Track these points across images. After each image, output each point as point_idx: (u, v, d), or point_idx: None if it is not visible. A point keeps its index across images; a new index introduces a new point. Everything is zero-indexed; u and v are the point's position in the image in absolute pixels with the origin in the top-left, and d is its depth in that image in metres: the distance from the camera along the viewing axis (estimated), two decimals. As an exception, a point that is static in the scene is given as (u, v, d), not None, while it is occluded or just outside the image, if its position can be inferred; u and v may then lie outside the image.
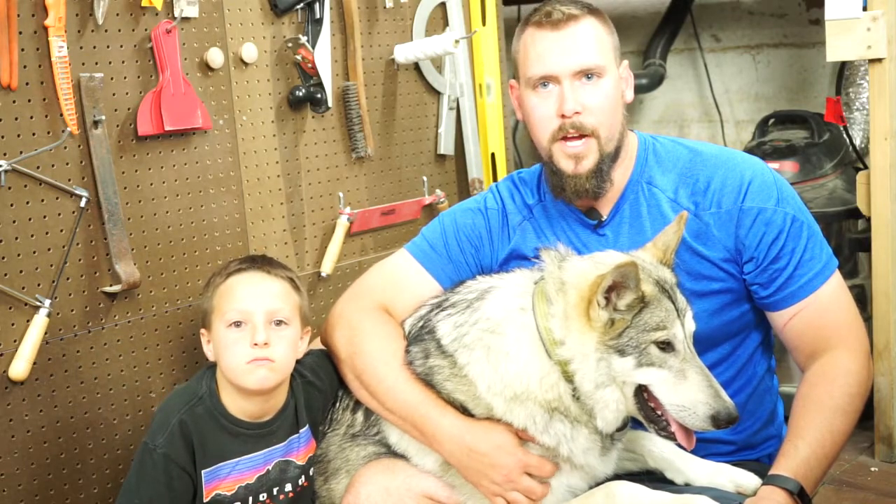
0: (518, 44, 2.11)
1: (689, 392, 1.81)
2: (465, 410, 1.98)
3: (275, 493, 2.08)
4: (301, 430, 2.11)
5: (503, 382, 1.92)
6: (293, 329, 2.05)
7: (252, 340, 1.99)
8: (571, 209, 2.13)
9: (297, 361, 2.10)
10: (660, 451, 2.02)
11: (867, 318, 3.35)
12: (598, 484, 1.96)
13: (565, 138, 2.03)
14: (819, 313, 2.03)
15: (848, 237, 3.51)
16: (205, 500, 2.02)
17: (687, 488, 1.97)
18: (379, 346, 2.09)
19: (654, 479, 2.01)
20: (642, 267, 1.86)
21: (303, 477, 2.11)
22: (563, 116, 2.02)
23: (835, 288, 2.05)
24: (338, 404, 2.19)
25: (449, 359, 1.99)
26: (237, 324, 2.01)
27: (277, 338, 2.01)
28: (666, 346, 1.83)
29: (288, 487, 2.10)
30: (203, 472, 2.01)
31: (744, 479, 1.96)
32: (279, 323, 2.03)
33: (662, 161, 2.12)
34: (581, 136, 2.03)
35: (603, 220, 2.11)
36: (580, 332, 1.86)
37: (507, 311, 1.96)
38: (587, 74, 2.03)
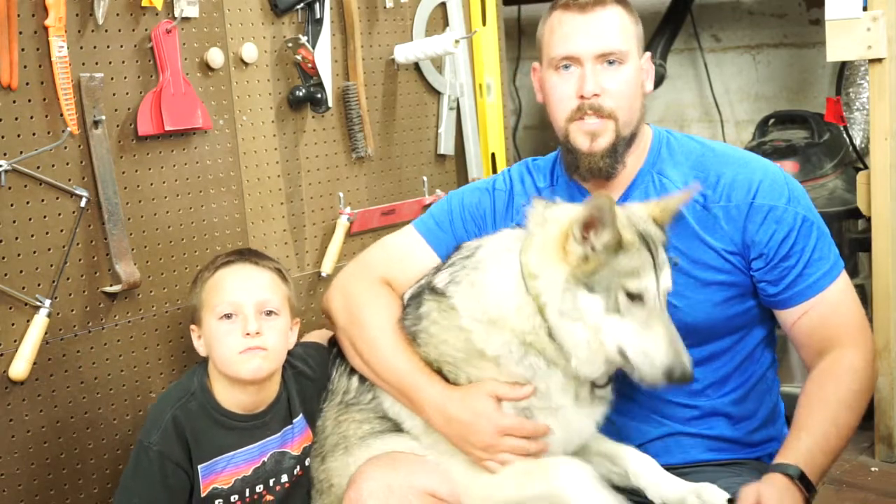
0: (543, 27, 2.13)
1: (651, 341, 1.84)
2: (448, 373, 2.02)
3: (271, 484, 2.10)
4: (295, 421, 2.13)
5: (482, 309, 1.97)
6: (283, 319, 2.08)
7: (244, 331, 2.01)
8: (583, 193, 2.15)
9: (288, 352, 2.13)
10: (641, 470, 2.02)
11: (867, 318, 3.35)
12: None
13: (583, 118, 2.05)
14: (827, 312, 2.04)
15: (848, 237, 3.51)
16: (202, 495, 2.03)
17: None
18: (374, 314, 2.12)
19: (637, 496, 2.02)
20: (628, 216, 1.90)
21: (298, 467, 2.13)
22: (581, 97, 2.04)
23: (842, 287, 2.06)
24: (334, 372, 2.22)
25: (439, 297, 2.05)
26: (228, 316, 2.03)
27: (268, 327, 2.04)
28: (636, 296, 1.84)
29: (284, 478, 2.11)
30: (199, 466, 2.03)
31: (710, 495, 1.95)
32: (269, 313, 2.05)
33: (675, 153, 2.13)
34: (599, 118, 2.05)
35: None
36: (554, 264, 1.89)
37: (495, 252, 2.04)
38: (609, 59, 2.04)
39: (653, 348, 1.83)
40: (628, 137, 2.07)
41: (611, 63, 2.04)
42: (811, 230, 2.04)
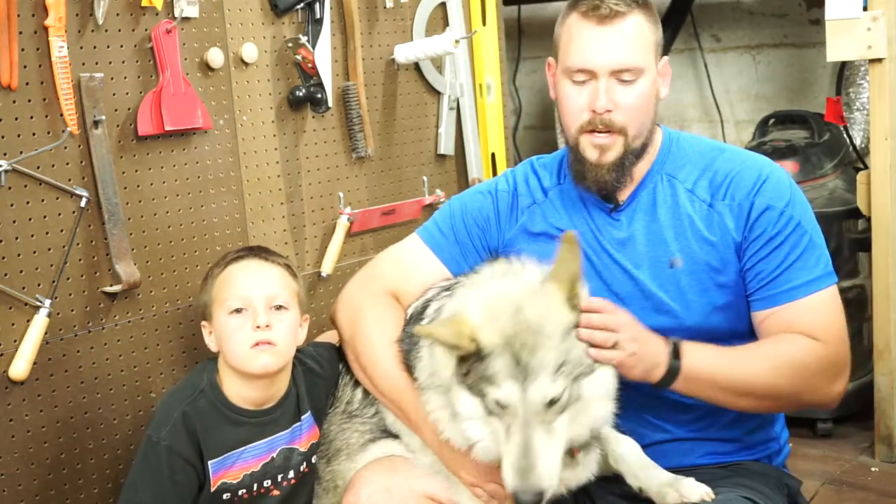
0: (561, 28, 2.09)
1: (505, 456, 1.74)
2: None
3: (278, 479, 2.12)
4: (303, 417, 2.14)
5: (426, 368, 1.94)
6: (292, 314, 2.09)
7: (254, 324, 2.03)
8: (589, 192, 2.14)
9: (298, 350, 2.14)
10: (622, 454, 2.00)
11: (867, 318, 3.35)
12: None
13: (593, 132, 2.04)
14: (793, 319, 2.00)
15: (848, 237, 3.51)
16: (211, 490, 2.04)
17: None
18: (377, 330, 2.13)
19: (620, 480, 2.01)
20: (515, 310, 1.75)
21: (305, 464, 2.15)
22: (593, 112, 2.03)
23: (821, 301, 2.01)
24: (340, 379, 2.23)
25: (418, 338, 2.01)
26: (238, 310, 2.04)
27: (278, 321, 2.05)
28: (500, 404, 1.75)
29: (291, 474, 2.13)
30: (210, 462, 2.04)
31: (688, 489, 1.93)
32: (279, 308, 2.06)
33: (685, 153, 2.13)
34: (609, 132, 2.03)
35: (619, 205, 2.12)
36: (448, 359, 1.83)
37: (449, 311, 1.96)
38: (625, 74, 2.02)
39: (505, 464, 1.73)
40: (638, 149, 2.07)
41: (626, 78, 2.02)
42: (801, 238, 2.02)
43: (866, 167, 3.32)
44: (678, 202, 2.09)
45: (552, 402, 1.73)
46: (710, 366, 1.93)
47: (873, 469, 3.18)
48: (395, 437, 2.12)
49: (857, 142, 3.63)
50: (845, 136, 3.64)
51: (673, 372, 1.90)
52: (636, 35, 2.03)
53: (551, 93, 2.18)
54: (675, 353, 1.90)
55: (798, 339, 1.98)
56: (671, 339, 1.92)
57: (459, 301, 1.91)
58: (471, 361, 1.76)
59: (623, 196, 2.12)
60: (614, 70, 2.01)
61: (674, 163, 2.12)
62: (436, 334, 1.76)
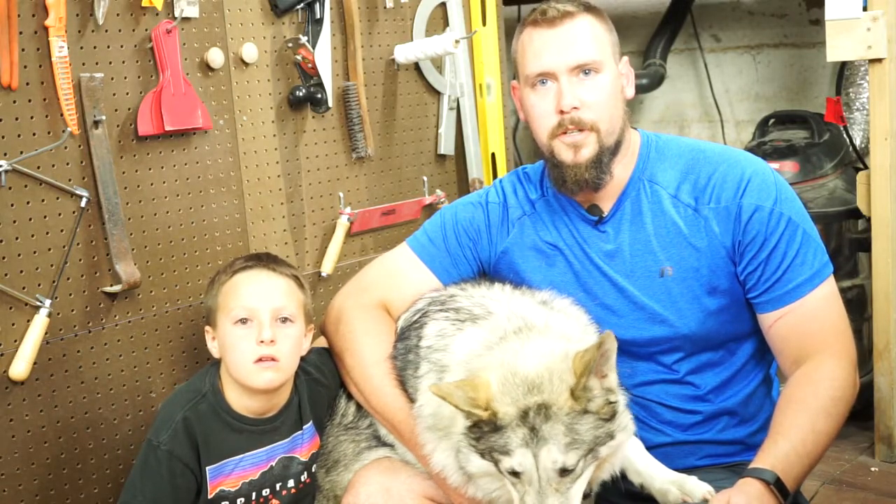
0: (517, 44, 2.13)
1: None
2: None
3: (278, 488, 2.10)
4: (304, 427, 2.13)
5: (431, 412, 1.91)
6: (298, 326, 2.07)
7: (258, 338, 2.01)
8: (573, 205, 2.14)
9: (302, 358, 2.12)
10: (626, 451, 1.97)
11: (867, 318, 3.35)
12: None
13: (565, 133, 2.04)
14: (805, 319, 2.00)
15: (848, 237, 3.52)
16: (209, 497, 2.03)
17: None
18: (369, 345, 2.12)
19: (622, 476, 1.99)
20: (529, 383, 1.76)
21: (305, 473, 2.13)
22: (561, 112, 2.03)
23: (825, 295, 2.02)
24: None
25: (418, 361, 2.00)
26: (243, 321, 2.03)
27: (283, 335, 2.03)
28: (512, 472, 1.75)
29: (291, 484, 2.12)
30: (207, 468, 2.03)
31: (692, 486, 1.92)
32: (284, 320, 2.05)
33: (665, 157, 2.12)
34: (580, 130, 2.03)
35: (604, 216, 2.12)
36: (458, 415, 1.82)
37: (461, 356, 1.93)
38: (584, 70, 2.03)
39: None
40: (613, 146, 2.05)
41: (586, 73, 2.03)
42: (795, 234, 2.01)
43: (866, 167, 3.32)
44: (663, 209, 2.07)
45: (566, 471, 1.73)
46: (800, 463, 1.88)
47: (873, 469, 3.19)
48: (390, 446, 2.11)
49: (857, 142, 3.63)
50: (845, 136, 3.64)
51: (785, 495, 1.84)
52: (589, 32, 2.04)
53: (520, 114, 2.19)
54: (777, 483, 1.82)
55: (818, 374, 1.96)
56: (762, 477, 1.82)
57: (479, 362, 1.85)
58: (484, 429, 1.75)
59: (607, 206, 2.11)
60: (572, 67, 2.02)
61: (654, 167, 2.11)
62: (454, 398, 1.74)
